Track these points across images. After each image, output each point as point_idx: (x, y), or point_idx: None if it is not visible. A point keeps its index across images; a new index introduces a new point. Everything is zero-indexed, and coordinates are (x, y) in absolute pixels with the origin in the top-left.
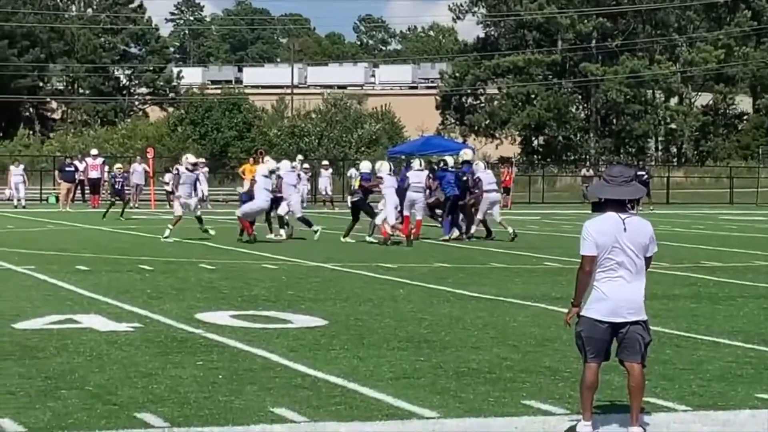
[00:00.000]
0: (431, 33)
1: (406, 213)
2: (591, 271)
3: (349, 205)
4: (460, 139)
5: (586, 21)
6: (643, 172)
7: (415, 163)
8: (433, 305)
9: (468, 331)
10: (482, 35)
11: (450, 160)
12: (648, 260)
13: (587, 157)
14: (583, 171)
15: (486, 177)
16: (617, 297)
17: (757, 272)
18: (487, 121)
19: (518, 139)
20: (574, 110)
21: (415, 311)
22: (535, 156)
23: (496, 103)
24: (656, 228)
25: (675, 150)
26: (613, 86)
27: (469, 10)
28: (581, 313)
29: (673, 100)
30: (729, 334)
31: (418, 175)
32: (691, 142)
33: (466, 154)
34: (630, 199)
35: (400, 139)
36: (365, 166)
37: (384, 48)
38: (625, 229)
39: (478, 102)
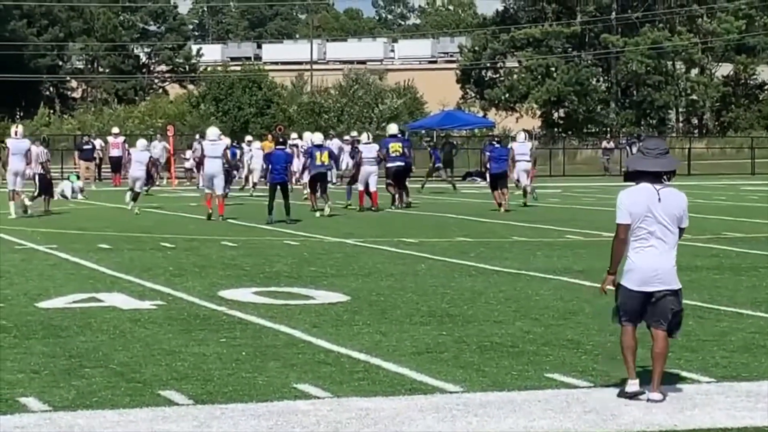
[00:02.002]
0: (450, 7)
1: (361, 187)
2: (626, 239)
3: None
4: (480, 113)
5: None
6: (612, 145)
7: (364, 136)
8: (455, 279)
9: (490, 305)
10: (501, 8)
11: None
12: (681, 231)
13: (608, 129)
14: (604, 143)
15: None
16: (647, 266)
17: None
18: (507, 95)
19: (538, 112)
20: (594, 83)
21: (437, 286)
22: (556, 129)
23: (515, 76)
24: None
25: (696, 121)
26: (634, 58)
27: None
28: (620, 281)
29: (694, 71)
30: (752, 304)
31: (369, 149)
32: (713, 112)
33: (391, 128)
34: (665, 171)
35: (420, 114)
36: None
37: (403, 23)
38: (659, 199)
39: (498, 76)
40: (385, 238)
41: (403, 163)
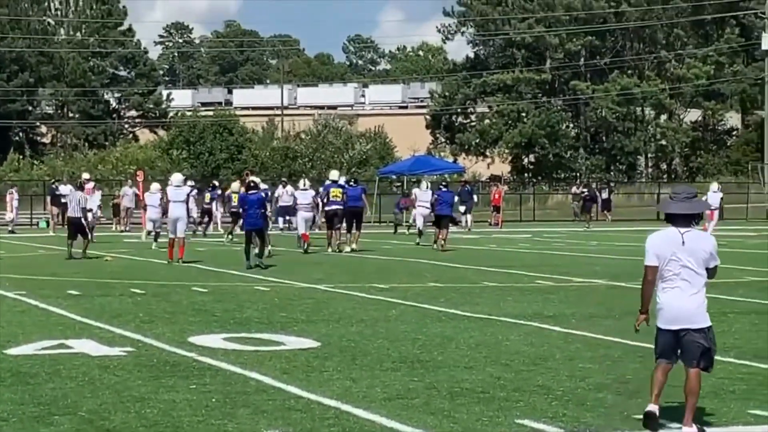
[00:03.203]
0: (420, 53)
1: (302, 230)
2: (653, 280)
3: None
4: (451, 158)
5: (574, 39)
6: (585, 190)
7: (301, 183)
8: (426, 325)
9: (461, 350)
10: (471, 54)
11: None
12: (710, 272)
13: (578, 174)
14: (574, 189)
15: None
16: (674, 306)
17: (749, 288)
18: (478, 140)
19: (509, 157)
20: (564, 128)
21: (408, 331)
22: (526, 174)
23: (486, 121)
24: (644, 245)
25: (665, 166)
26: (603, 104)
27: (458, 30)
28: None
29: (663, 117)
30: (721, 350)
31: (305, 195)
32: (682, 158)
33: (332, 174)
34: (693, 214)
35: (391, 159)
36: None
37: (373, 68)
38: (683, 242)
39: (468, 121)
40: (356, 284)
41: (341, 207)
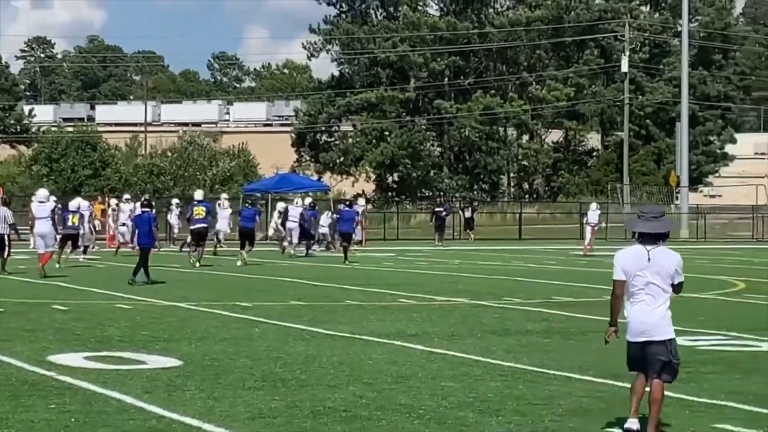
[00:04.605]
0: (285, 71)
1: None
2: (620, 294)
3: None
4: (315, 176)
5: (438, 59)
6: (441, 209)
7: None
8: (289, 344)
9: (324, 369)
10: (336, 73)
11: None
12: (675, 288)
13: (441, 193)
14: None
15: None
16: (639, 319)
17: (607, 306)
18: (342, 158)
19: (373, 176)
20: (428, 147)
21: (270, 350)
22: (390, 193)
23: (350, 140)
24: (508, 264)
25: (527, 186)
26: (467, 123)
27: (323, 48)
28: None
29: (525, 137)
30: (580, 369)
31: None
32: (543, 178)
33: (197, 194)
34: (660, 233)
35: (255, 177)
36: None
37: (238, 85)
38: (649, 259)
39: (333, 139)
40: (220, 302)
41: (205, 225)
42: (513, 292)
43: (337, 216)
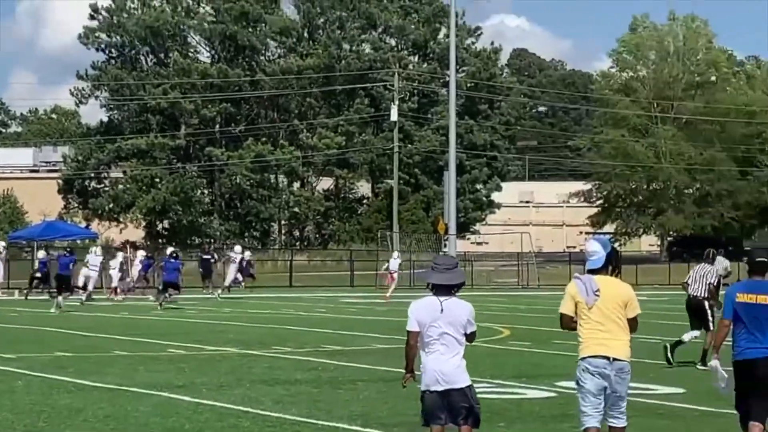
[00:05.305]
0: (53, 116)
1: None
2: (414, 344)
3: None
4: (83, 224)
5: (209, 106)
6: (209, 256)
7: None
8: (53, 396)
9: (89, 422)
10: (105, 119)
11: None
12: (468, 336)
13: (212, 240)
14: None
15: None
16: (434, 368)
17: (376, 355)
18: (111, 205)
19: (143, 222)
20: (198, 194)
21: (33, 403)
22: (160, 239)
23: (120, 186)
24: (278, 312)
25: (298, 233)
26: (238, 170)
27: (92, 94)
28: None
29: (296, 185)
30: (349, 418)
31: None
32: (314, 225)
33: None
34: (453, 284)
35: (21, 224)
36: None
37: (4, 130)
38: (441, 309)
39: (102, 186)
40: None
41: None
42: (283, 340)
43: (163, 264)
